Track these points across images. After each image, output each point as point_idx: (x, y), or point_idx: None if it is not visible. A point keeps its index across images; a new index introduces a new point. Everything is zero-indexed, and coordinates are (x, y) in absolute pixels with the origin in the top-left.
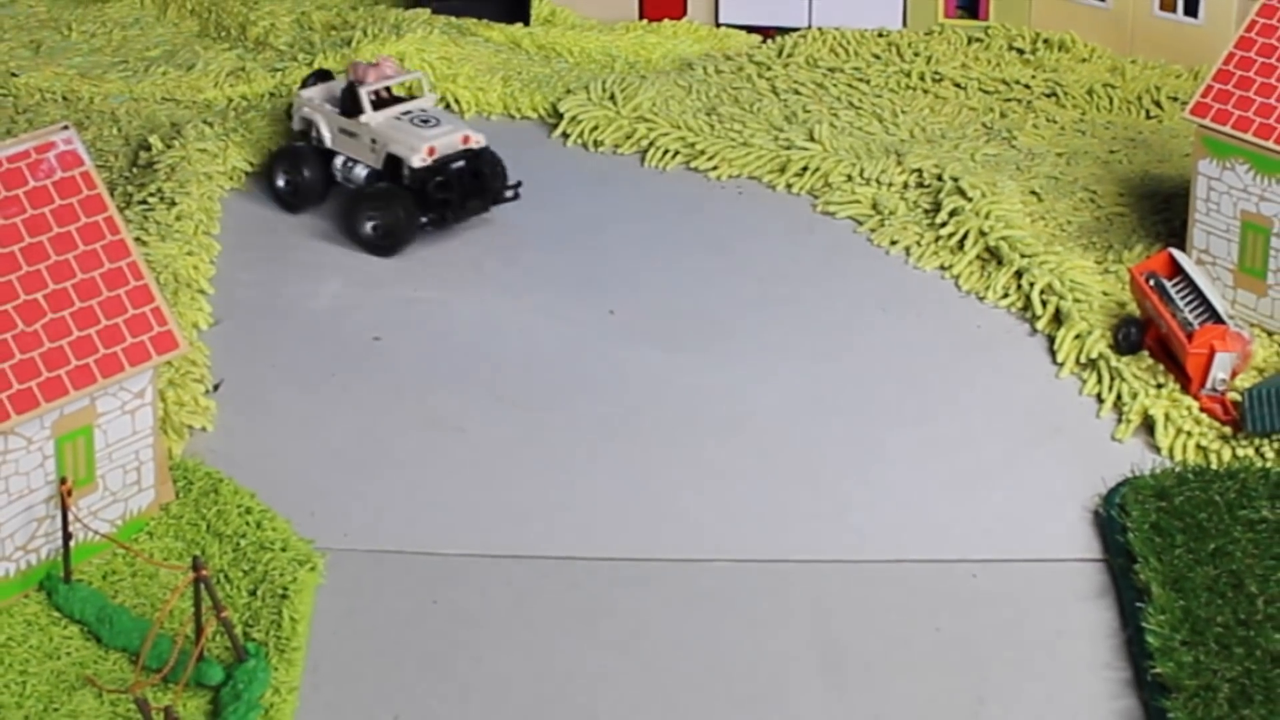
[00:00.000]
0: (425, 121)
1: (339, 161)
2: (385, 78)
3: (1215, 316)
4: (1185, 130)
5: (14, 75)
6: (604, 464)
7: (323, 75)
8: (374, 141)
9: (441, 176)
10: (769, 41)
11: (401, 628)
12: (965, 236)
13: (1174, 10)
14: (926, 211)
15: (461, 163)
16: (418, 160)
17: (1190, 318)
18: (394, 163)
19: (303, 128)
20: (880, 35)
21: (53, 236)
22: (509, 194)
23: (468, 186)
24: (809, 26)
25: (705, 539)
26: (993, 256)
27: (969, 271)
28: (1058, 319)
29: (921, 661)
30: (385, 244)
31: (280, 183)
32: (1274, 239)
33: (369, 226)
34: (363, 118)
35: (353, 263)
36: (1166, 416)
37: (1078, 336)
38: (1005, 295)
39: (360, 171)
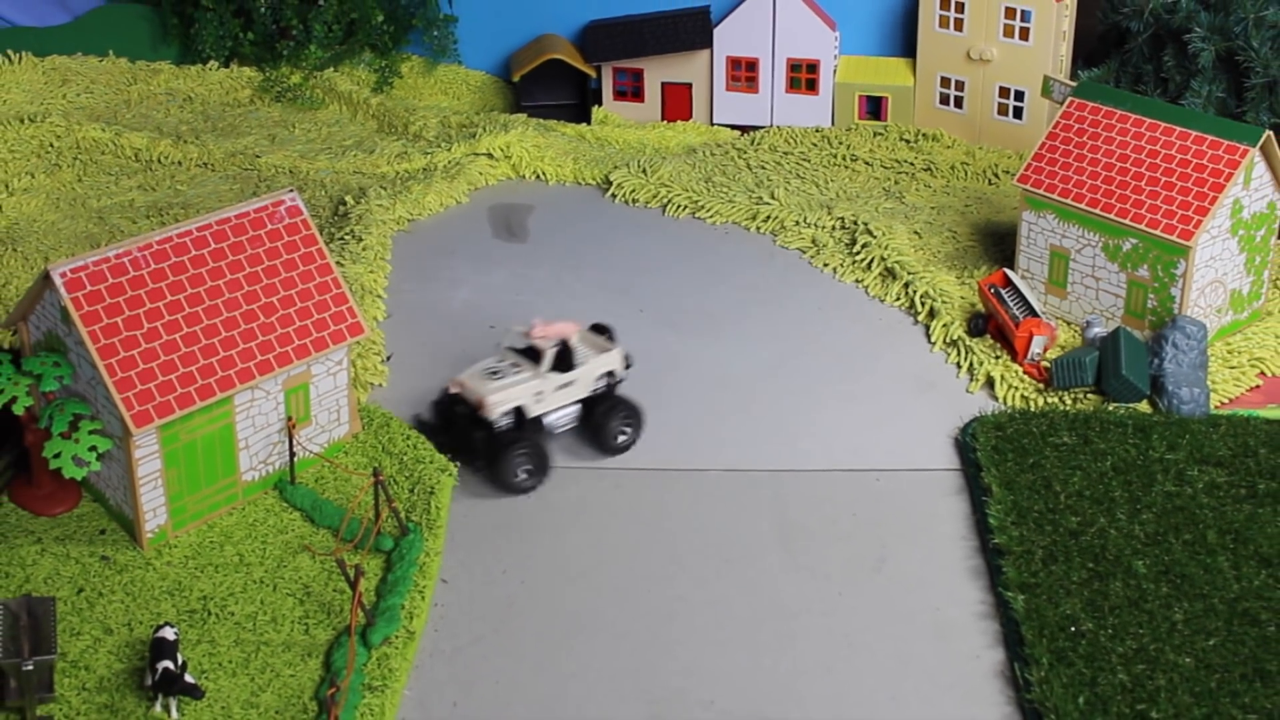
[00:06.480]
0: (494, 373)
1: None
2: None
3: (1033, 312)
4: (1014, 193)
5: (257, 157)
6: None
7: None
8: None
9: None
10: (745, 135)
11: (507, 513)
12: (872, 261)
13: (1007, 115)
14: (847, 245)
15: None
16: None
17: (1017, 313)
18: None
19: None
20: (817, 131)
21: (282, 261)
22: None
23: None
24: (771, 125)
25: (704, 455)
26: (889, 274)
27: (874, 284)
28: (932, 314)
29: (844, 535)
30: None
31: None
32: (1071, 262)
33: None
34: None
35: (476, 279)
36: (1002, 377)
37: (944, 325)
38: (898, 299)
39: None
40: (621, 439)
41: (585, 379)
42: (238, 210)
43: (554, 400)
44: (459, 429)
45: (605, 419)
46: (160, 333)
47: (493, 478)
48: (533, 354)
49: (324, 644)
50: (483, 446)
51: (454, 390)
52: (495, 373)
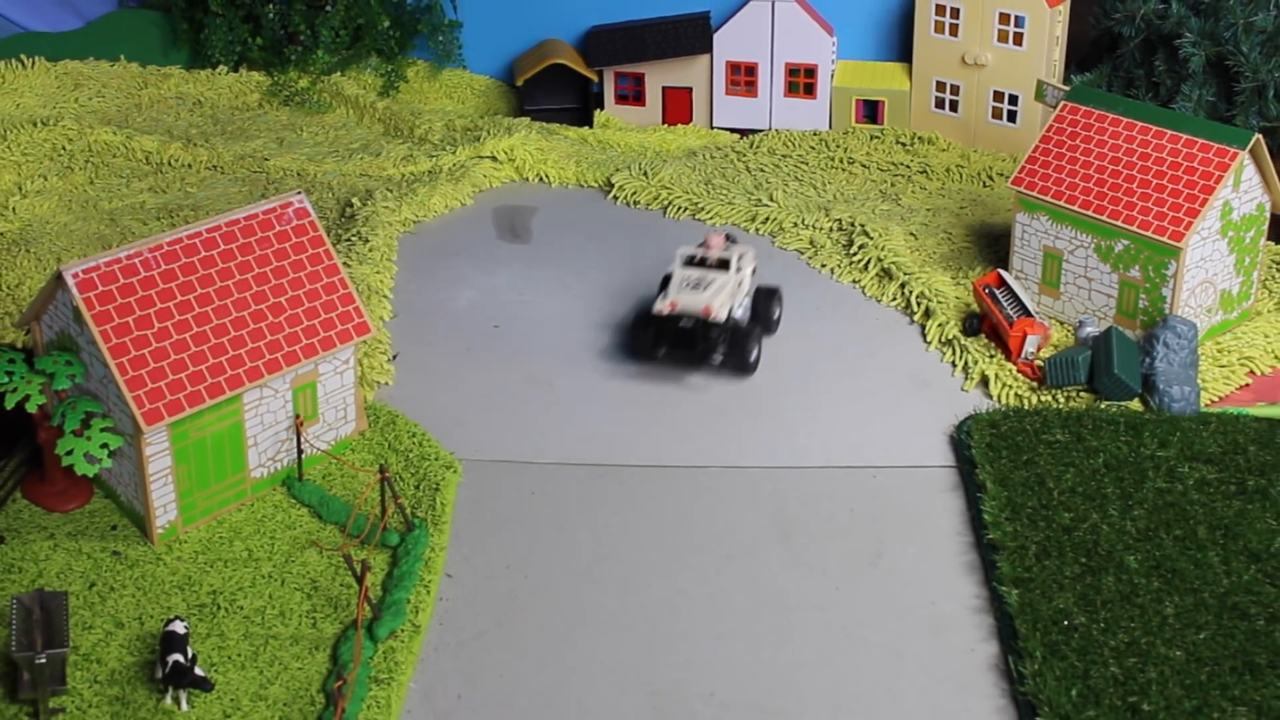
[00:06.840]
0: (697, 285)
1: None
2: (713, 248)
3: (1027, 312)
4: (1008, 195)
5: (266, 159)
6: (640, 403)
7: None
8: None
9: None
10: (744, 138)
11: (511, 509)
12: (868, 262)
13: (1001, 119)
14: (844, 246)
15: (687, 323)
16: (657, 308)
17: (1011, 313)
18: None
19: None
20: (814, 134)
21: (290, 262)
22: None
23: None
24: (770, 128)
25: (703, 452)
26: (886, 274)
27: (871, 284)
28: (927, 314)
29: (841, 530)
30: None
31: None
32: (1064, 263)
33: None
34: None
35: (481, 279)
36: (996, 375)
37: (940, 325)
38: (894, 299)
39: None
40: (778, 314)
41: (748, 277)
42: (246, 212)
43: (738, 297)
44: (692, 339)
45: (765, 306)
46: (170, 332)
47: (735, 366)
48: (703, 264)
49: (331, 638)
50: (721, 343)
51: (668, 310)
52: (697, 286)
